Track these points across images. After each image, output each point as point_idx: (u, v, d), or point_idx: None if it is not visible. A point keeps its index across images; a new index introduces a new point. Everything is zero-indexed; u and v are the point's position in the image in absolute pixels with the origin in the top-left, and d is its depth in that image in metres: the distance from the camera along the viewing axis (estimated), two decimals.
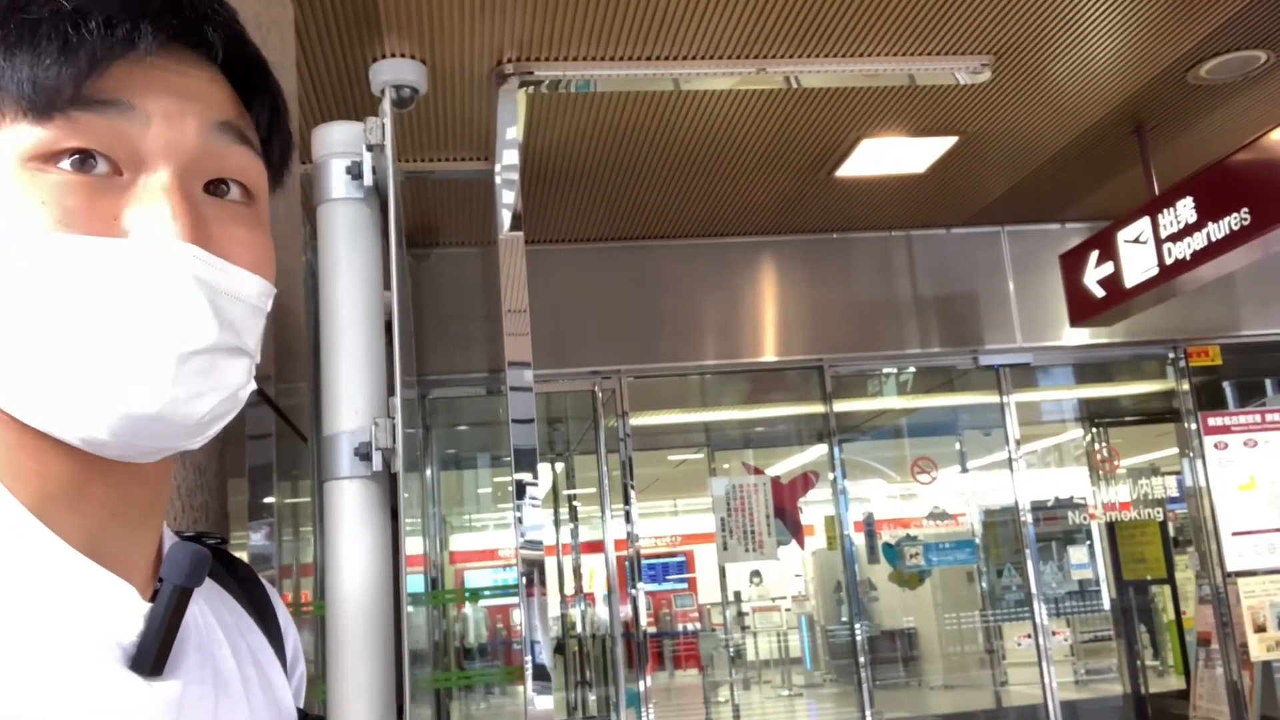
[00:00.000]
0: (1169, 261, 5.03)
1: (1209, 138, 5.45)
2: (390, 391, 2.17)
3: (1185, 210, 4.90)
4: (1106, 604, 7.95)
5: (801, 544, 7.04)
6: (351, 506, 2.09)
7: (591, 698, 8.02)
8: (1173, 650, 7.78)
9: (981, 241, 6.66)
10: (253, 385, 0.70)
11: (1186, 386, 6.64)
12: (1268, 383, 7.36)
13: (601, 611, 7.49)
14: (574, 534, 8.52)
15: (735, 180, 5.62)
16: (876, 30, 4.17)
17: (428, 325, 5.96)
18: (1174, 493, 6.92)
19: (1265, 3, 4.17)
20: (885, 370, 6.93)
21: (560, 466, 8.39)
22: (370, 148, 2.24)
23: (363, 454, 2.09)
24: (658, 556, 14.78)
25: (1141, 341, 6.58)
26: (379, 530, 2.10)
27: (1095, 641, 8.55)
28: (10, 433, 0.65)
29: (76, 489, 0.66)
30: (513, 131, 4.23)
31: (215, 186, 0.69)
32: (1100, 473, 7.37)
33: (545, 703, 3.66)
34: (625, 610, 6.15)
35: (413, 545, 5.96)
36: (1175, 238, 4.97)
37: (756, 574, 11.80)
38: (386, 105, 2.46)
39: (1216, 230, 4.71)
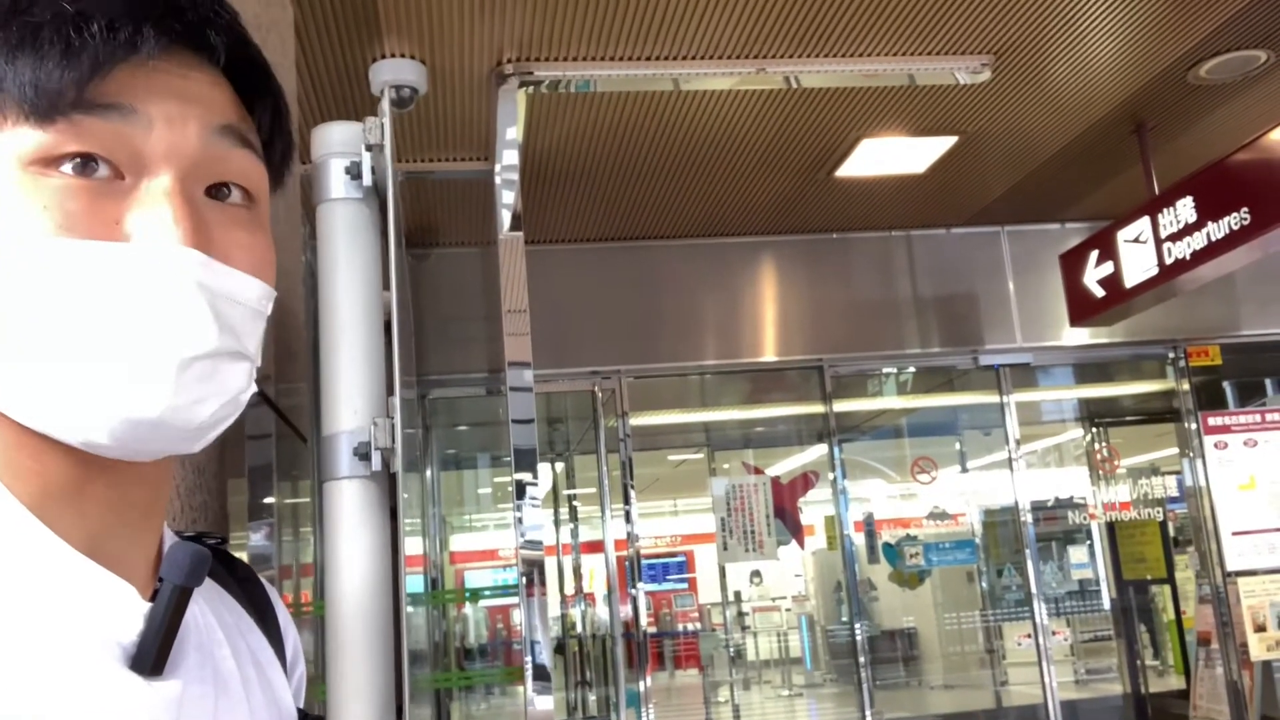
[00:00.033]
0: (1169, 261, 5.03)
1: (1209, 137, 5.45)
2: (389, 391, 2.17)
3: (1185, 210, 4.90)
4: (1106, 604, 7.95)
5: (801, 544, 7.04)
6: (351, 506, 2.09)
7: (592, 698, 8.02)
8: (1173, 650, 7.78)
9: (981, 241, 6.66)
10: (253, 389, 0.70)
11: (1186, 386, 6.64)
12: (1268, 383, 7.36)
13: (601, 611, 7.49)
14: (574, 534, 8.52)
15: (735, 180, 5.62)
16: (876, 30, 4.17)
17: (428, 325, 5.96)
18: (1174, 492, 6.92)
19: (1265, 2, 4.17)
20: (885, 370, 6.93)
21: (560, 466, 8.39)
22: (369, 148, 2.24)
23: (362, 454, 2.09)
24: (658, 556, 14.78)
25: (1141, 341, 6.58)
26: (378, 530, 2.10)
27: (1095, 641, 8.55)
28: (10, 432, 0.65)
29: (76, 488, 0.66)
30: (512, 132, 4.23)
31: (216, 190, 0.69)
32: (1100, 472, 7.37)
33: (545, 703, 3.66)
34: (625, 610, 6.15)
35: (413, 545, 5.96)
36: (1175, 237, 4.97)
37: (756, 574, 11.80)
38: (386, 105, 2.46)
39: (1216, 230, 4.71)
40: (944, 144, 5.31)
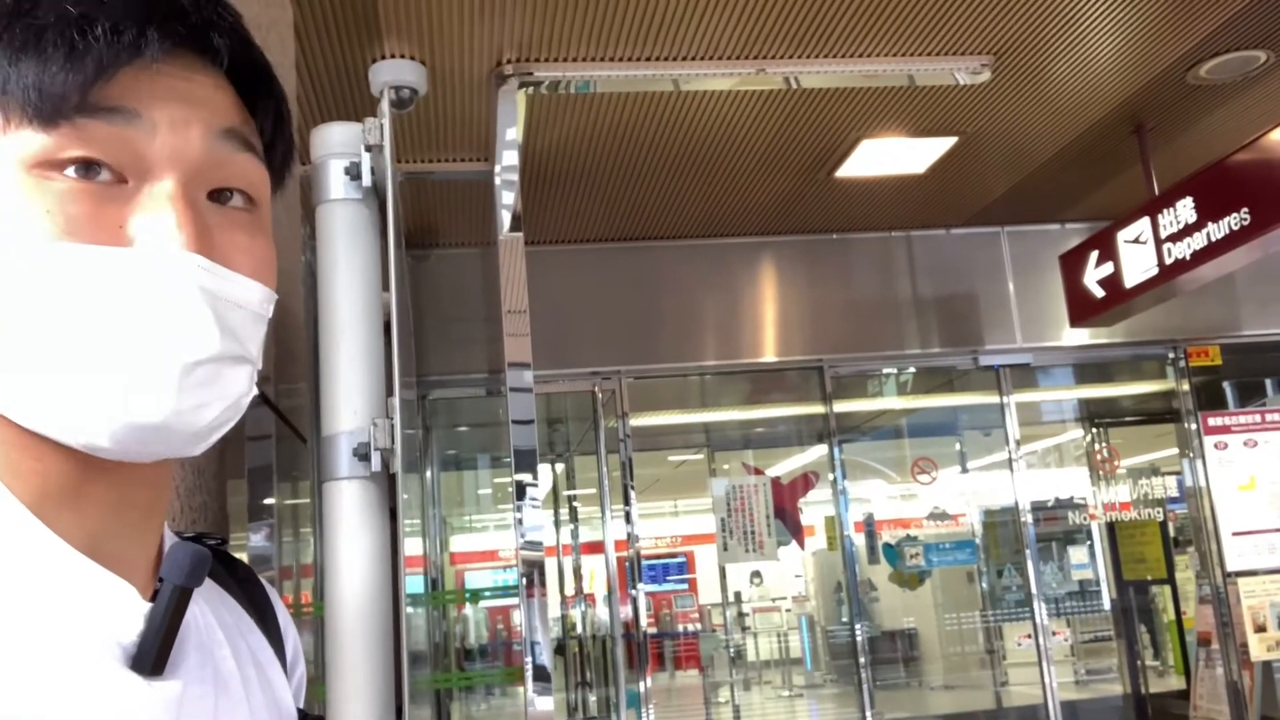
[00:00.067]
0: (1169, 261, 5.03)
1: (1209, 138, 5.45)
2: (389, 392, 2.17)
3: (1185, 210, 4.90)
4: (1107, 604, 7.95)
5: (802, 544, 7.04)
6: (350, 507, 2.09)
7: (592, 698, 8.01)
8: (1173, 650, 7.78)
9: (981, 242, 6.66)
10: (254, 392, 0.70)
11: (1186, 386, 6.64)
12: (1268, 383, 7.36)
13: (602, 612, 7.49)
14: (574, 535, 8.52)
15: (735, 181, 5.62)
16: (876, 30, 4.17)
17: (428, 326, 5.96)
18: (1174, 493, 6.92)
19: (1265, 2, 4.17)
20: (885, 370, 6.93)
21: (560, 467, 8.39)
22: (369, 148, 2.24)
23: (361, 454, 2.09)
24: (658, 557, 14.78)
25: (1141, 342, 6.58)
26: (378, 530, 2.10)
27: (1095, 641, 8.55)
28: (10, 432, 0.65)
29: (76, 489, 0.66)
30: (512, 132, 4.23)
31: (219, 194, 0.69)
32: (1100, 473, 7.37)
33: (545, 703, 3.66)
34: (625, 611, 6.15)
35: (413, 546, 5.96)
36: (1175, 238, 4.97)
37: (757, 574, 11.81)
38: (385, 105, 2.46)
39: (1216, 230, 4.71)
40: (944, 144, 5.31)
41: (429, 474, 6.63)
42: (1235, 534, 6.01)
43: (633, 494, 6.24)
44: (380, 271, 2.23)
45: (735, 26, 4.06)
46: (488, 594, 8.67)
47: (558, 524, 8.55)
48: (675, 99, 4.61)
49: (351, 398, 2.13)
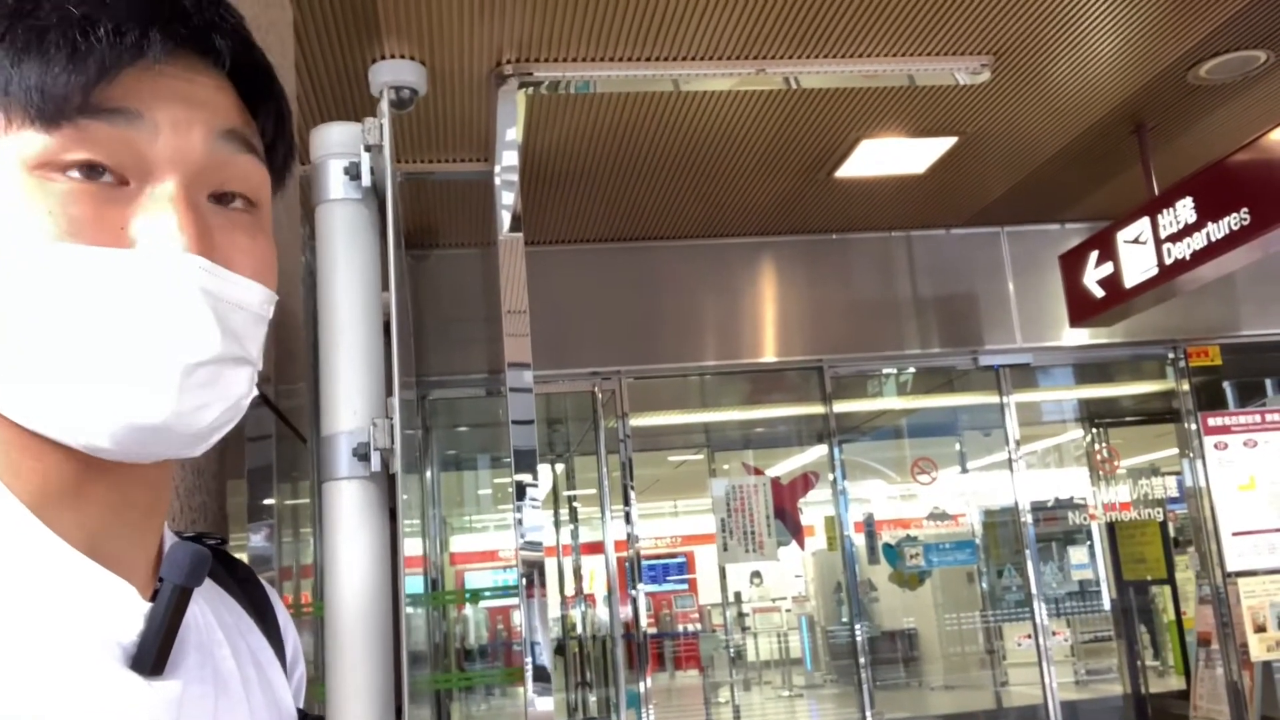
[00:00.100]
0: (1168, 262, 5.03)
1: (1209, 138, 5.45)
2: (389, 392, 2.17)
3: (1185, 210, 4.90)
4: (1107, 604, 7.95)
5: (801, 545, 7.04)
6: (350, 507, 2.09)
7: (592, 699, 8.01)
8: (1173, 650, 7.78)
9: (981, 242, 6.66)
10: (255, 393, 0.70)
11: (1186, 387, 6.64)
12: (1268, 383, 7.36)
13: (602, 612, 7.49)
14: (574, 535, 8.52)
15: (735, 181, 5.62)
16: (876, 31, 4.17)
17: (428, 326, 5.96)
18: (1174, 493, 6.92)
19: (1265, 2, 4.17)
20: (885, 371, 6.93)
21: (560, 467, 8.39)
22: (368, 148, 2.24)
23: (361, 454, 2.09)
24: (658, 557, 14.78)
25: (1141, 342, 6.58)
26: (378, 530, 2.10)
27: (1095, 642, 8.55)
28: (11, 432, 0.65)
29: (77, 489, 0.66)
30: (512, 132, 4.23)
31: (220, 195, 0.69)
32: (1100, 473, 7.37)
33: (545, 704, 3.66)
34: (625, 611, 6.15)
35: (413, 546, 5.96)
36: (1175, 238, 4.97)
37: (757, 575, 11.81)
38: (384, 105, 2.46)
39: (1216, 230, 4.71)
40: (944, 144, 5.31)
41: (429, 474, 6.63)
42: (1235, 534, 6.01)
43: (633, 494, 6.24)
44: (380, 271, 2.23)
45: (735, 26, 4.06)
46: (488, 594, 8.67)
47: (558, 524, 8.55)
48: (675, 99, 4.61)
49: (351, 398, 2.13)
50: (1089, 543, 7.85)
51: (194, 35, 0.67)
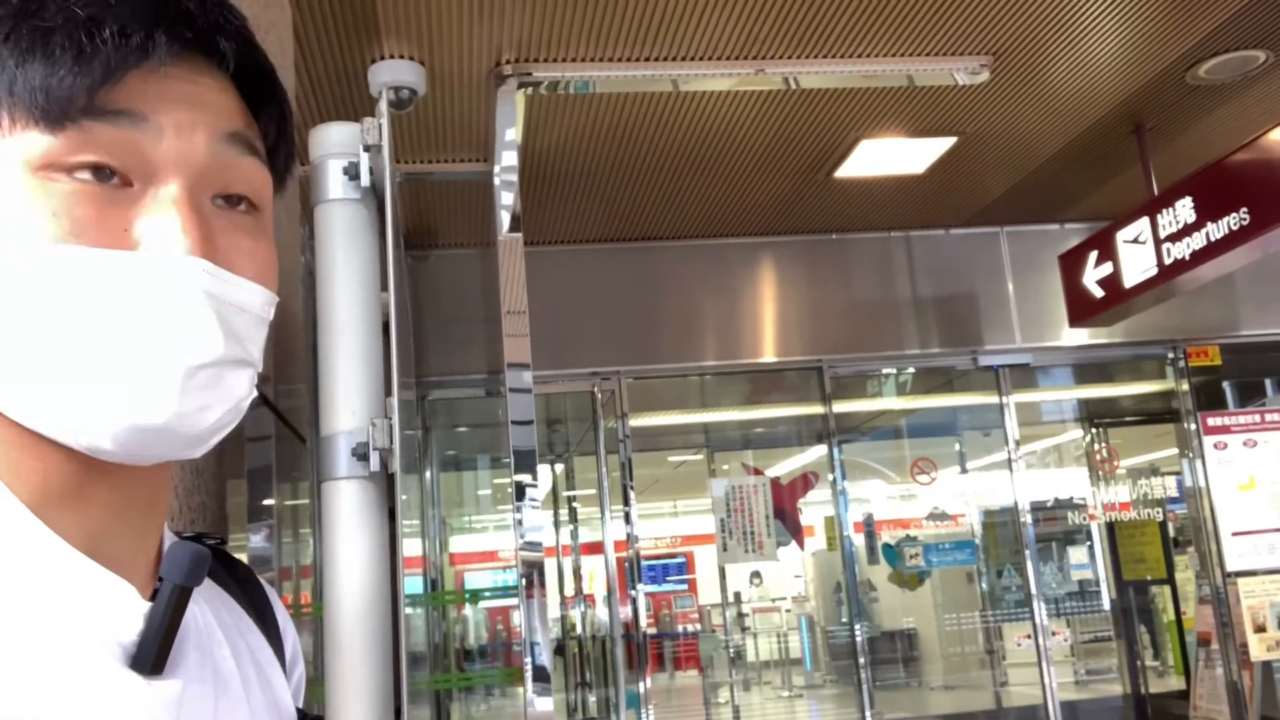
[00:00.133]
0: (1168, 262, 5.03)
1: (1208, 137, 5.45)
2: (388, 392, 2.17)
3: (1184, 210, 4.90)
4: (1106, 604, 7.95)
5: (801, 545, 7.04)
6: (349, 507, 2.09)
7: (591, 699, 8.01)
8: (1173, 650, 7.78)
9: (980, 242, 6.66)
10: (254, 394, 0.70)
11: (1186, 387, 6.64)
12: (1267, 383, 7.36)
13: (601, 613, 7.49)
14: (574, 535, 8.52)
15: (734, 181, 5.62)
16: (875, 31, 4.17)
17: (427, 326, 5.96)
18: (1174, 493, 6.92)
19: (1264, 2, 4.17)
20: (884, 371, 6.93)
21: (560, 468, 8.39)
22: (367, 148, 2.24)
23: (360, 454, 2.09)
24: (658, 558, 14.78)
25: (1141, 342, 6.58)
26: (377, 530, 2.10)
27: (1095, 642, 8.55)
28: (12, 432, 0.65)
29: (77, 489, 0.66)
30: (511, 133, 4.23)
31: (223, 197, 0.69)
32: (1100, 473, 7.37)
33: (545, 704, 3.66)
34: (625, 611, 6.15)
35: (413, 547, 5.96)
36: (1174, 238, 4.97)
37: (756, 575, 11.80)
38: (383, 105, 2.46)
39: (1215, 230, 4.71)
40: (943, 145, 5.31)
41: (428, 475, 6.63)
42: (1235, 534, 6.01)
43: (632, 494, 6.24)
44: (379, 271, 2.23)
45: (734, 27, 4.06)
46: (487, 594, 8.67)
47: (557, 524, 8.55)
48: (674, 99, 4.61)
49: (350, 398, 2.13)
50: (1089, 543, 7.85)
51: (199, 37, 0.67)
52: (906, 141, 5.25)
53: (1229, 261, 4.79)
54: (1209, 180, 4.79)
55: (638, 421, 6.63)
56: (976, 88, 4.67)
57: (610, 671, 6.46)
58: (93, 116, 0.63)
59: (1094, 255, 5.59)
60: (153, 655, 0.64)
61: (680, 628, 12.47)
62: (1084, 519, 7.40)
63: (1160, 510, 7.06)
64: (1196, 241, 4.82)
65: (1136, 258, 5.25)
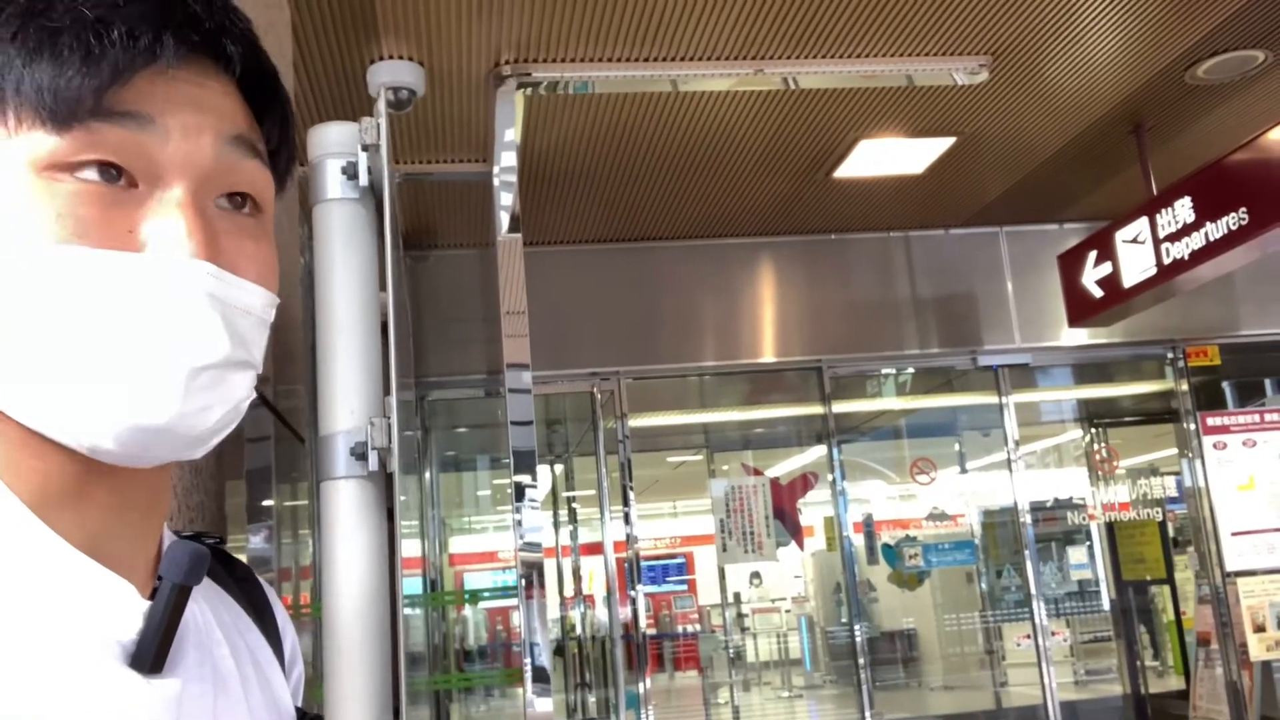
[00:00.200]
0: (1167, 261, 5.03)
1: (1207, 137, 5.45)
2: (386, 391, 2.17)
3: (1183, 210, 4.90)
4: (1106, 604, 7.95)
5: (801, 545, 7.04)
6: (348, 506, 2.09)
7: (591, 699, 8.01)
8: (1172, 650, 7.78)
9: (980, 242, 6.66)
10: (254, 395, 0.70)
11: (1185, 387, 6.64)
12: (1267, 383, 7.36)
13: (601, 613, 7.49)
14: (573, 536, 8.51)
15: (733, 181, 5.62)
16: (874, 31, 4.17)
17: (426, 327, 5.96)
18: (1173, 493, 6.92)
19: (1263, 2, 4.17)
20: (884, 371, 6.93)
21: (559, 468, 8.39)
22: (365, 148, 2.24)
23: (359, 454, 2.09)
24: (657, 558, 14.78)
25: (1140, 342, 6.59)
26: (375, 530, 2.10)
27: (1095, 642, 8.55)
28: (13, 431, 0.65)
29: (77, 490, 0.66)
30: (511, 133, 4.23)
31: (226, 199, 0.69)
32: (1099, 473, 7.37)
33: (545, 704, 3.66)
34: (625, 612, 6.15)
35: (412, 547, 5.96)
36: (1173, 238, 4.98)
37: (756, 575, 11.80)
38: (381, 105, 2.46)
39: (1215, 230, 4.71)
40: (942, 145, 5.31)
41: (428, 475, 6.63)
42: (1234, 534, 6.01)
43: (632, 495, 6.24)
44: (377, 271, 2.23)
45: (733, 27, 4.06)
46: (487, 595, 8.66)
47: (557, 525, 8.55)
48: (673, 99, 4.61)
49: (348, 397, 2.12)
50: (1088, 543, 7.85)
51: (206, 40, 0.67)
52: (905, 141, 5.25)
53: (1228, 261, 4.79)
54: (1208, 180, 4.79)
55: (637, 422, 6.63)
56: (975, 88, 4.67)
57: (610, 672, 6.46)
58: (100, 118, 0.63)
59: (1093, 255, 5.59)
60: (152, 654, 0.64)
61: (680, 628, 12.47)
62: (1083, 519, 7.40)
63: (1160, 510, 7.06)
64: (1195, 241, 4.83)
65: (1135, 258, 5.25)
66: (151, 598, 0.66)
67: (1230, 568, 5.97)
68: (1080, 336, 6.39)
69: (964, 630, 8.30)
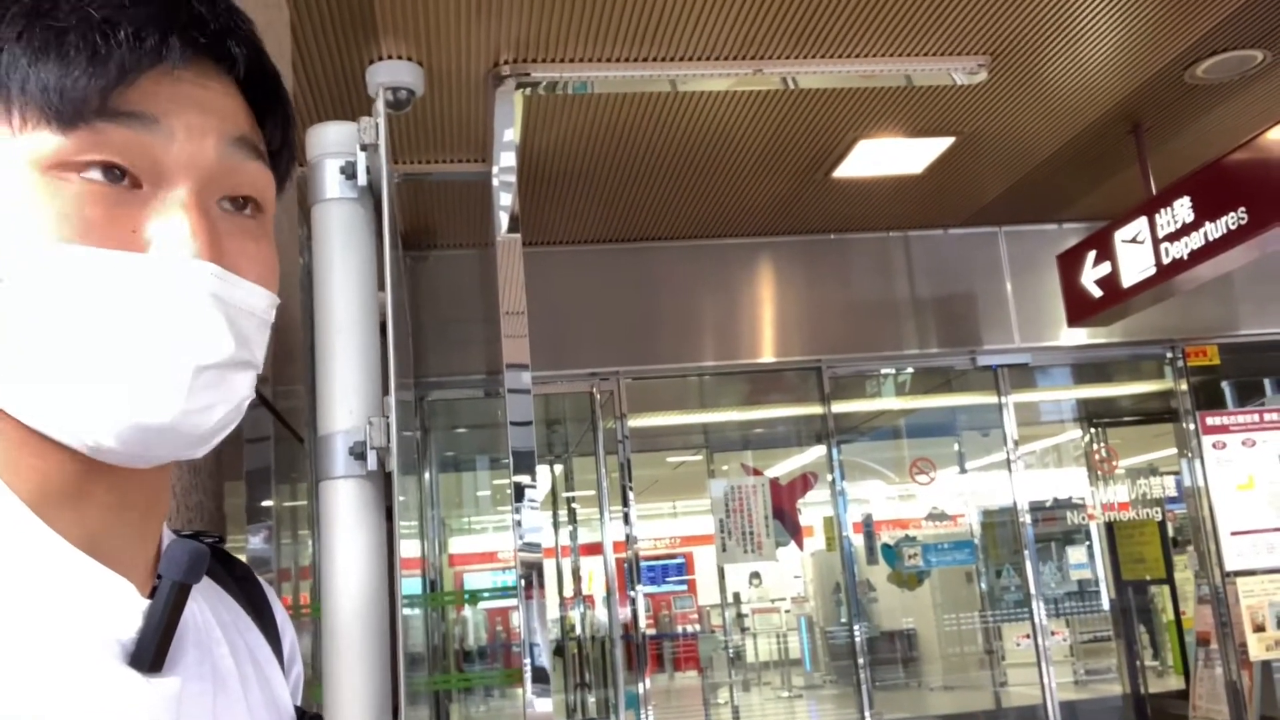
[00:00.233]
0: (1166, 261, 5.03)
1: (1206, 137, 5.45)
2: (385, 391, 2.17)
3: (1182, 210, 4.91)
4: (1105, 604, 7.95)
5: (800, 545, 7.04)
6: (347, 506, 2.09)
7: (591, 700, 8.01)
8: (1172, 650, 7.78)
9: (979, 242, 6.66)
10: (253, 394, 0.70)
11: (1185, 386, 6.64)
12: (1266, 382, 7.36)
13: (601, 613, 7.49)
14: (573, 536, 8.51)
15: (733, 181, 5.62)
16: (873, 31, 4.17)
17: (426, 327, 5.96)
18: (1172, 493, 6.92)
19: (1262, 1, 4.17)
20: (883, 371, 6.93)
21: (559, 469, 8.39)
22: (364, 148, 2.24)
23: (357, 453, 2.09)
24: (657, 558, 14.78)
25: (1139, 341, 6.59)
26: (374, 529, 2.10)
27: (1095, 642, 8.55)
28: (13, 430, 0.65)
29: (77, 490, 0.66)
30: (510, 133, 4.23)
31: (229, 200, 0.70)
32: (1099, 473, 7.37)
33: (544, 705, 3.66)
34: (624, 612, 6.15)
35: (412, 548, 5.96)
36: (1172, 237, 4.98)
37: (756, 575, 11.80)
38: (380, 105, 2.46)
39: (1214, 230, 4.71)
40: (941, 145, 5.31)
41: (428, 475, 6.63)
42: (1234, 534, 6.01)
43: (631, 495, 6.24)
44: (376, 271, 2.23)
45: (732, 27, 4.06)
46: (486, 595, 8.66)
47: (556, 525, 8.55)
48: (673, 99, 4.61)
49: (347, 397, 2.12)
50: (1088, 543, 7.85)
51: (211, 42, 0.67)
52: (905, 141, 5.25)
53: (1227, 261, 4.79)
54: (1207, 180, 4.79)
55: (636, 422, 6.63)
56: (974, 88, 4.67)
57: (609, 672, 6.46)
58: (105, 118, 0.63)
59: (1092, 255, 5.59)
60: (152, 653, 0.64)
61: (679, 628, 12.47)
62: (1083, 519, 7.40)
63: (1159, 510, 7.06)
64: (1195, 241, 4.83)
65: (1135, 257, 5.25)
66: (151, 596, 0.66)
67: (1230, 567, 5.97)
68: (1079, 336, 6.39)
69: (963, 630, 8.30)
